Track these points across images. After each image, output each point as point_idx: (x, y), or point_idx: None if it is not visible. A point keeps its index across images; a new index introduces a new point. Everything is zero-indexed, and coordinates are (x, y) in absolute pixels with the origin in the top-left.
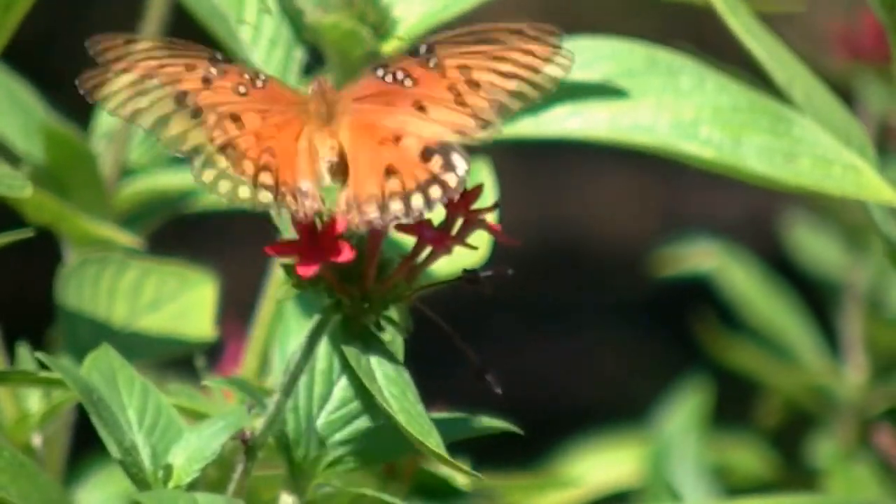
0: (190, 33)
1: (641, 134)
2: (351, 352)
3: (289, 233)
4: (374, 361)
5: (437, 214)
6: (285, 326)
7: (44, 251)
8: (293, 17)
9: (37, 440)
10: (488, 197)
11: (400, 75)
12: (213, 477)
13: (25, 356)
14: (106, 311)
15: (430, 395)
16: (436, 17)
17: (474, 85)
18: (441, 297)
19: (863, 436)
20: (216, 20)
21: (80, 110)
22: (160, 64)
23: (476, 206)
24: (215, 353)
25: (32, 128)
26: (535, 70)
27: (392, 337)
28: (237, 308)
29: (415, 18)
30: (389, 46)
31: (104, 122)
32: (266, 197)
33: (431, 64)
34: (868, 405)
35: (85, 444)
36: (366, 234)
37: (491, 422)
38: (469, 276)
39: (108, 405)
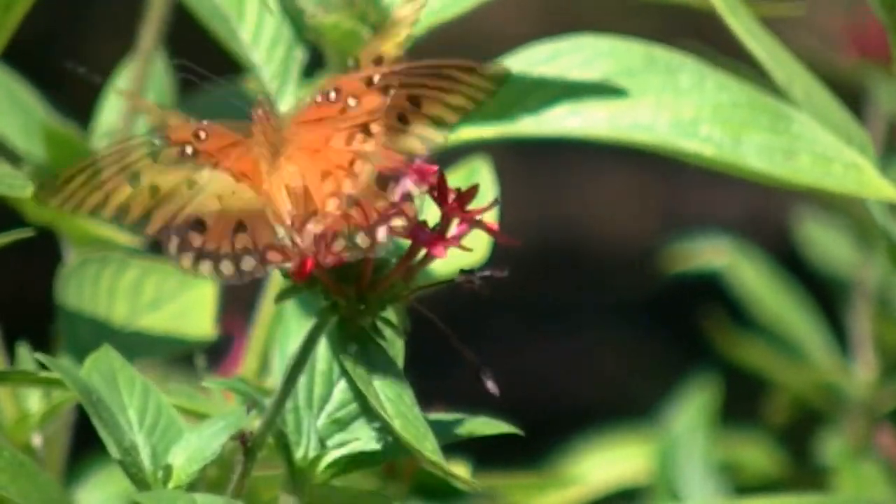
0: (190, 33)
1: (641, 132)
2: (347, 354)
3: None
4: (370, 364)
5: (434, 215)
6: (285, 327)
7: (44, 251)
8: (294, 17)
9: (37, 440)
10: (487, 196)
11: (349, 98)
12: (213, 477)
13: (25, 356)
14: (106, 311)
15: (429, 395)
16: (436, 16)
17: (422, 112)
18: (440, 298)
19: (872, 434)
20: (217, 20)
21: (80, 110)
22: (100, 160)
23: (474, 206)
24: (217, 353)
25: (33, 127)
26: (479, 102)
27: (390, 338)
28: (237, 308)
29: None
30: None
31: (104, 121)
32: (249, 264)
33: (381, 89)
34: (877, 403)
35: (85, 444)
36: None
37: (490, 423)
38: (467, 276)
39: (108, 405)
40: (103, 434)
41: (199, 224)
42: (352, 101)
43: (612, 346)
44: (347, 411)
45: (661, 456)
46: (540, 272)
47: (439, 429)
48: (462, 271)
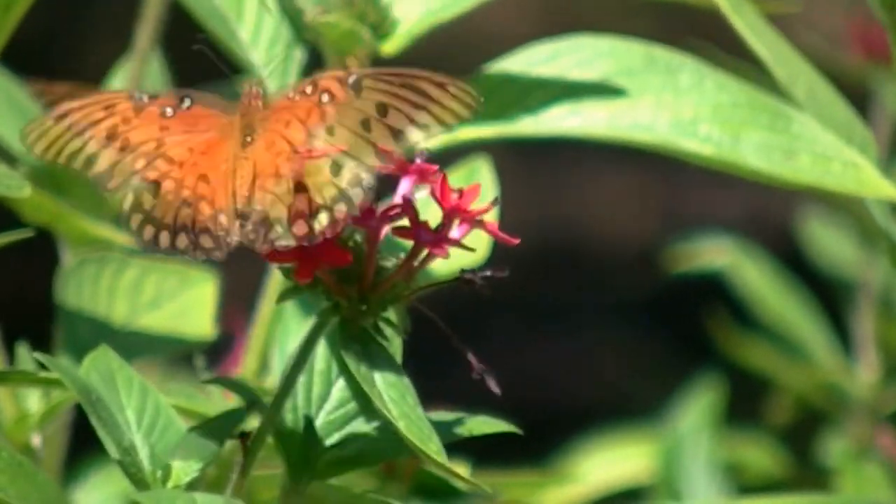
0: (189, 33)
1: (641, 132)
2: (349, 355)
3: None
4: (373, 365)
5: (435, 215)
6: (285, 327)
7: (43, 251)
8: (293, 17)
9: (36, 440)
10: (488, 196)
11: (324, 94)
12: (213, 476)
13: (25, 356)
14: (106, 310)
15: (429, 395)
16: (436, 16)
17: (385, 122)
18: (440, 298)
19: (874, 435)
20: (215, 20)
21: None
22: (83, 106)
23: (474, 206)
24: (217, 352)
25: None
26: (447, 124)
27: (390, 338)
28: (237, 308)
29: (415, 18)
30: (389, 46)
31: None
32: (182, 242)
33: (353, 92)
34: (880, 404)
35: (84, 444)
36: (363, 236)
37: (490, 422)
38: (467, 276)
39: (107, 405)
40: (102, 434)
41: (155, 187)
42: (325, 98)
43: (612, 346)
44: (346, 410)
45: (665, 456)
46: (540, 272)
47: (440, 428)
48: (462, 271)
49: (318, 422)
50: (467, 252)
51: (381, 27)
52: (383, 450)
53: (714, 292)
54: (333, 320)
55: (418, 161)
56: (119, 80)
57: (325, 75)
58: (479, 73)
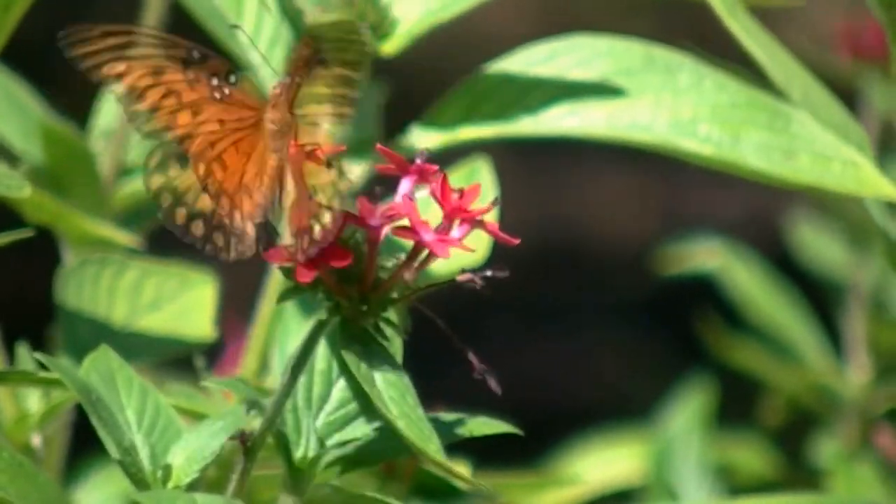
0: (189, 33)
1: (640, 132)
2: (350, 355)
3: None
4: (373, 365)
5: (435, 215)
6: (285, 327)
7: (44, 251)
8: (293, 17)
9: (36, 440)
10: (488, 197)
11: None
12: (213, 477)
13: (25, 356)
14: (106, 311)
15: (429, 395)
16: (435, 16)
17: (327, 73)
18: (440, 298)
19: (866, 436)
20: (215, 20)
21: (78, 110)
22: (147, 41)
23: (475, 206)
24: (216, 353)
25: (31, 127)
26: (363, 55)
27: (391, 338)
28: (237, 308)
29: (414, 18)
30: (389, 46)
31: (103, 121)
32: (198, 229)
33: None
34: (871, 405)
35: (84, 444)
36: (363, 236)
37: (490, 422)
38: (467, 276)
39: (107, 405)
40: (102, 434)
41: (182, 157)
42: (297, 80)
43: (611, 346)
44: (346, 411)
45: (657, 457)
46: (540, 272)
47: (440, 429)
48: (463, 271)
49: (319, 422)
50: (467, 252)
51: (381, 27)
52: (383, 450)
53: (715, 293)
54: (334, 320)
55: (418, 161)
56: None
57: (293, 54)
58: (479, 73)
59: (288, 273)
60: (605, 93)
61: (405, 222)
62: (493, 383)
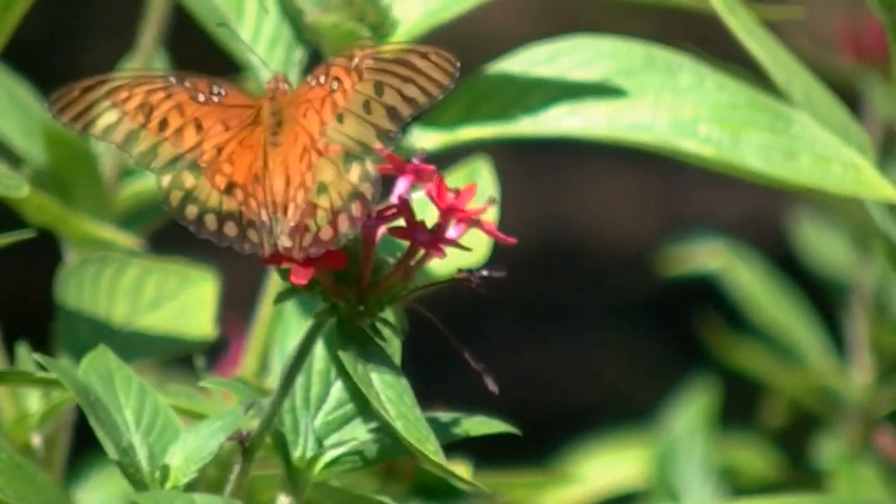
0: (189, 33)
1: (640, 132)
2: (347, 356)
3: None
4: (371, 365)
5: (433, 215)
6: (285, 327)
7: (44, 251)
8: (293, 18)
9: (36, 440)
10: (485, 196)
11: (333, 82)
12: (212, 477)
13: (25, 356)
14: (106, 311)
15: (428, 396)
16: (436, 17)
17: (382, 101)
18: (439, 298)
19: (868, 437)
20: (216, 20)
21: None
22: (125, 85)
23: (472, 205)
24: (216, 353)
25: (32, 128)
26: (431, 95)
27: (388, 339)
28: (237, 308)
29: (415, 18)
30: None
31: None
32: (231, 230)
33: (356, 76)
34: (873, 406)
35: (84, 444)
36: (360, 236)
37: (489, 422)
38: (466, 276)
39: (106, 406)
40: (100, 434)
41: (195, 168)
42: (335, 85)
43: (611, 346)
44: (344, 411)
45: (660, 459)
46: (540, 272)
47: (438, 429)
48: (461, 271)
49: (317, 422)
50: (466, 252)
51: (381, 27)
52: (382, 450)
53: (716, 294)
54: (331, 321)
55: (415, 161)
56: None
57: (332, 62)
58: (479, 73)
59: (284, 274)
60: (605, 93)
61: (401, 222)
62: (490, 383)
